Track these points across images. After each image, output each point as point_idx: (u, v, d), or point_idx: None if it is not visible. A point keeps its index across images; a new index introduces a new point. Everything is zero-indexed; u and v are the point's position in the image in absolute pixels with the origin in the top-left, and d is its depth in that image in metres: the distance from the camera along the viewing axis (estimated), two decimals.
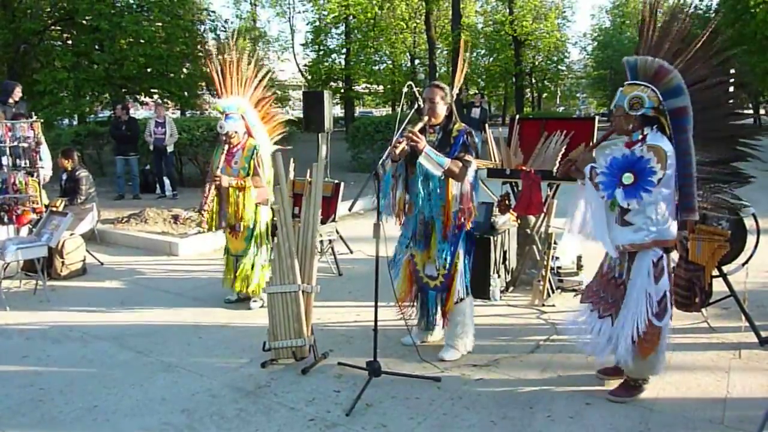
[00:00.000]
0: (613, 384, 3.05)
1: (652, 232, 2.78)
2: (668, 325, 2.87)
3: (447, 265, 3.38)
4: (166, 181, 9.92)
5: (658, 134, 2.80)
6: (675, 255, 3.41)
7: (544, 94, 38.41)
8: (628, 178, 2.70)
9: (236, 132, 4.31)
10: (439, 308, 3.52)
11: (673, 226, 2.85)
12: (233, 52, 4.35)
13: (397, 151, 3.12)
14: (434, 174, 3.18)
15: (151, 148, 9.88)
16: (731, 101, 3.07)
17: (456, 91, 3.49)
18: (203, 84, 17.84)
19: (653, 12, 2.91)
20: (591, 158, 2.98)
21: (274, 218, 3.51)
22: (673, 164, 2.76)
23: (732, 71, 3.02)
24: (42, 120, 6.15)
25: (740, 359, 3.38)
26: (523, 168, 4.49)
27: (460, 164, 3.22)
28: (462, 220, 3.33)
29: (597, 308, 2.98)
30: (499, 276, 4.53)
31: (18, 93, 6.61)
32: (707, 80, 2.90)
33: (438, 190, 3.28)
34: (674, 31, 2.87)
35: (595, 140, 4.52)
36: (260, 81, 4.48)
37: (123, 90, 16.06)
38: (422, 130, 3.26)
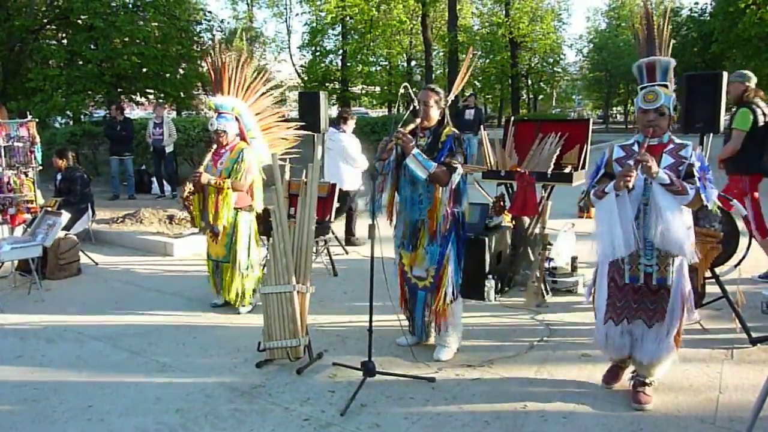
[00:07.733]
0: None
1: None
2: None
3: (436, 267, 3.38)
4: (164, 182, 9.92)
5: None
6: None
7: (540, 96, 38.50)
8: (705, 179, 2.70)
9: (225, 131, 4.23)
10: (428, 311, 3.49)
11: None
12: (232, 53, 4.25)
13: (387, 148, 3.15)
14: (420, 176, 3.18)
15: (151, 149, 9.89)
16: None
17: (452, 97, 3.49)
18: (199, 84, 17.85)
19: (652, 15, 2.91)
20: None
21: (269, 218, 3.51)
22: None
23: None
24: (37, 119, 6.15)
25: (732, 359, 3.41)
26: (518, 169, 4.52)
27: (445, 169, 3.21)
28: (448, 223, 3.31)
29: (621, 319, 2.88)
30: (493, 277, 4.55)
31: None
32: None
33: (425, 194, 3.29)
34: (666, 36, 2.88)
35: (589, 141, 4.57)
36: (265, 91, 4.40)
37: (118, 90, 16.04)
38: (413, 132, 3.27)
